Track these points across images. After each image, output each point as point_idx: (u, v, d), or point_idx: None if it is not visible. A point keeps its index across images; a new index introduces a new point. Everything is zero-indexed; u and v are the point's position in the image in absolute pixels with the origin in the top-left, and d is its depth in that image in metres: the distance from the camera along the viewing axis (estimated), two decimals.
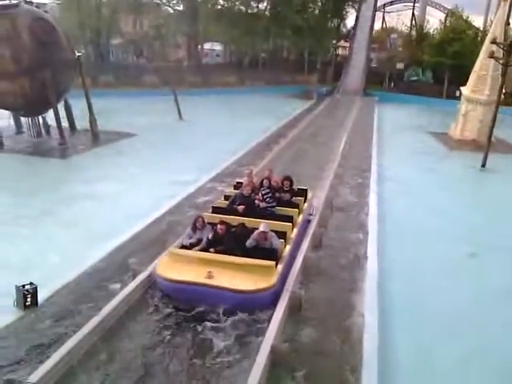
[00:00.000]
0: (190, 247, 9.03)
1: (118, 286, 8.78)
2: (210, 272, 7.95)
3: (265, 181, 11.02)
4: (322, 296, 9.02)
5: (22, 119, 23.01)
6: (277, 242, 8.97)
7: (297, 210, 10.67)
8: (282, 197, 10.89)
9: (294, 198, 11.06)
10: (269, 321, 7.57)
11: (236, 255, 8.54)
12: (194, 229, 9.27)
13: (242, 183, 11.37)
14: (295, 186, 11.41)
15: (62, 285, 8.83)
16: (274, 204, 10.47)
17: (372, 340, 7.52)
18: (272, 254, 8.73)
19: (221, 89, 44.41)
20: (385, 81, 50.14)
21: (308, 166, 19.37)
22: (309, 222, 11.63)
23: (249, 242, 8.77)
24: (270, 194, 10.48)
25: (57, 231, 11.80)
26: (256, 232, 8.81)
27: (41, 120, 22.82)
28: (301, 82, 50.00)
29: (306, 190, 11.98)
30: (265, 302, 7.98)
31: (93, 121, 23.17)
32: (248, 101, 40.03)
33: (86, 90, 23.28)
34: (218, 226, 8.96)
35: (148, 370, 6.71)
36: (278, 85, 48.99)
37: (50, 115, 22.22)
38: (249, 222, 9.35)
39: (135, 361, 6.89)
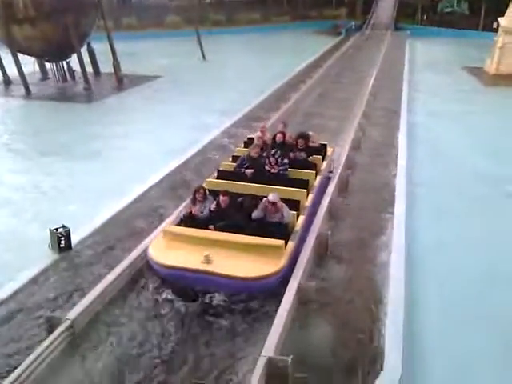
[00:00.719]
0: (188, 223, 7.82)
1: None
2: (207, 256, 6.84)
3: (278, 136, 9.96)
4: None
5: (47, 65, 23.00)
6: (288, 215, 7.84)
7: (313, 172, 9.40)
8: (296, 156, 9.71)
9: (310, 158, 9.88)
10: None
11: (240, 232, 7.41)
12: (194, 201, 7.98)
13: (253, 139, 10.29)
14: (314, 141, 10.30)
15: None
16: (287, 166, 9.17)
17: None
18: (282, 230, 7.65)
19: (245, 27, 43.10)
20: (417, 13, 47.48)
21: (335, 106, 18.92)
22: (329, 179, 10.50)
23: (255, 214, 7.71)
24: (281, 156, 9.17)
25: (90, 171, 12.24)
26: (264, 201, 7.69)
27: (65, 65, 22.78)
28: (328, 17, 47.94)
29: (325, 145, 10.76)
30: (271, 287, 6.93)
31: (116, 65, 22.97)
32: (273, 38, 38.83)
33: (108, 33, 22.94)
34: (221, 197, 7.69)
35: None
36: (304, 20, 47.19)
37: (74, 60, 22.17)
38: (258, 189, 8.35)
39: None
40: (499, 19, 26.80)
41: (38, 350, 5.62)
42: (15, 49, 20.35)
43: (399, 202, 10.15)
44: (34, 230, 9.26)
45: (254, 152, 9.25)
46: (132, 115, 18.06)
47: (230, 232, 7.35)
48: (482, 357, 6.42)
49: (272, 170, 9.04)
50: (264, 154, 9.39)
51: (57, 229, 8.24)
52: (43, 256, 8.12)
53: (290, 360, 5.44)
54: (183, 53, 30.59)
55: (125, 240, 8.65)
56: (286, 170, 9.15)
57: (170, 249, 7.31)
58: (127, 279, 7.39)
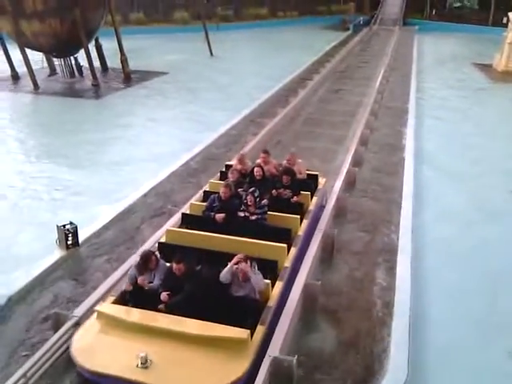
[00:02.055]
0: (132, 298, 5.95)
1: None
2: (143, 358, 4.97)
3: (256, 170, 8.08)
4: None
5: (55, 60, 23.06)
6: (260, 286, 5.98)
7: (298, 217, 7.64)
8: (280, 194, 8.01)
9: (294, 198, 8.03)
10: None
11: (197, 313, 5.51)
12: (142, 268, 6.07)
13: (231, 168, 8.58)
14: (301, 172, 8.66)
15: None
16: (266, 209, 7.46)
17: None
18: (250, 308, 5.81)
19: (253, 22, 42.95)
20: (426, 9, 47.13)
21: (343, 102, 18.85)
22: (317, 220, 8.51)
23: (223, 275, 5.94)
24: (261, 195, 7.44)
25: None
26: (234, 263, 5.95)
27: (73, 61, 22.83)
28: (336, 12, 47.70)
29: (315, 176, 9.10)
30: None
31: (124, 60, 22.99)
32: (280, 34, 38.72)
33: (116, 28, 22.96)
34: (174, 264, 5.89)
35: None
36: (312, 15, 46.94)
37: (81, 55, 22.21)
38: (229, 243, 6.72)
39: None
40: (509, 14, 26.51)
41: (45, 346, 5.65)
42: (23, 44, 20.42)
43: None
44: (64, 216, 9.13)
45: (222, 192, 7.36)
46: (134, 112, 18.01)
47: (183, 314, 5.53)
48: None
49: (248, 216, 7.29)
50: (241, 190, 7.74)
51: (64, 225, 8.28)
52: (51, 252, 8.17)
53: (294, 360, 5.43)
54: (191, 49, 30.57)
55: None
56: (265, 213, 7.45)
57: (98, 342, 5.45)
58: None
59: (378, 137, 14.61)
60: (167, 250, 6.73)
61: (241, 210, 7.33)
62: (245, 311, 5.73)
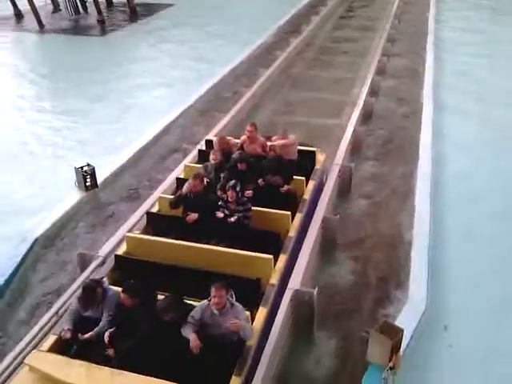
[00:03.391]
0: (73, 342, 4.47)
1: None
2: None
3: (235, 156, 6.57)
4: None
5: None
6: (246, 334, 4.37)
7: (288, 214, 6.06)
8: (267, 181, 6.46)
9: (286, 187, 6.51)
10: None
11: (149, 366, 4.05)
12: (87, 302, 4.65)
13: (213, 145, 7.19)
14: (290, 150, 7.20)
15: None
16: (249, 206, 5.88)
17: None
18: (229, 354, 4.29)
19: None
20: None
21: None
22: (315, 208, 6.96)
23: (184, 331, 4.29)
24: (243, 188, 5.90)
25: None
26: (201, 304, 4.43)
27: None
28: None
29: (312, 153, 7.57)
30: None
31: None
32: None
33: None
34: (122, 294, 4.49)
35: None
36: None
37: None
38: (201, 255, 5.33)
39: None
40: None
41: (73, 286, 5.84)
42: None
43: None
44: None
45: (191, 185, 5.88)
46: (140, 49, 17.51)
47: (138, 367, 4.02)
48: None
49: (228, 215, 5.79)
50: (218, 185, 6.14)
51: (82, 167, 8.32)
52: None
53: (315, 292, 5.55)
54: None
55: None
56: (249, 210, 5.87)
57: None
58: None
59: None
60: (125, 264, 5.38)
61: (219, 206, 5.85)
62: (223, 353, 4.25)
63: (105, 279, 4.99)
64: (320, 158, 7.63)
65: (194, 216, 5.74)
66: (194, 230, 5.67)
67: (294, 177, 6.72)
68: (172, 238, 5.58)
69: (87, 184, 8.36)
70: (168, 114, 11.24)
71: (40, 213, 7.74)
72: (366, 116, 10.97)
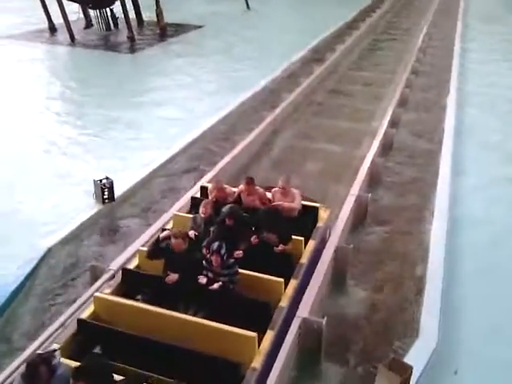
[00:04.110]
0: None
1: None
2: None
3: (224, 210, 5.82)
4: None
5: (91, 12, 22.91)
6: None
7: (281, 280, 5.34)
8: (261, 239, 5.69)
9: (281, 247, 5.68)
10: None
11: None
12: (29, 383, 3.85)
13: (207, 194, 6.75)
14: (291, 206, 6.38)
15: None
16: (236, 269, 5.19)
17: None
18: None
19: None
20: None
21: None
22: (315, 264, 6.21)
23: None
24: (231, 249, 5.22)
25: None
26: None
27: (109, 12, 22.62)
28: None
29: (315, 209, 6.78)
30: None
31: (159, 13, 22.59)
32: None
33: None
34: (71, 380, 3.75)
35: None
36: None
37: (117, 7, 22.00)
38: (179, 326, 4.67)
39: None
40: None
41: (83, 297, 5.85)
42: None
43: None
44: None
45: (174, 243, 5.20)
46: (170, 67, 17.93)
47: None
48: None
49: (212, 278, 5.13)
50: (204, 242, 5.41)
51: (101, 180, 8.43)
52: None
53: (324, 322, 5.47)
54: (227, 1, 29.77)
55: None
56: (235, 274, 5.19)
57: None
58: None
59: None
60: (89, 331, 4.74)
61: (203, 268, 5.19)
62: None
63: (57, 352, 4.09)
64: (323, 215, 6.81)
65: (173, 277, 5.10)
66: (173, 293, 5.05)
67: (294, 237, 5.88)
68: (147, 300, 5.07)
69: (105, 197, 8.47)
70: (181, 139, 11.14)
71: (53, 223, 7.84)
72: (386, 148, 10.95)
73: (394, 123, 11.92)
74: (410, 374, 4.79)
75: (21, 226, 7.81)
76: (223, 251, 5.03)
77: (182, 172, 9.80)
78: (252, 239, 5.69)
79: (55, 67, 18.19)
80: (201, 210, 6.03)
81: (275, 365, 4.76)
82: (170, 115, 12.91)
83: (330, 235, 6.99)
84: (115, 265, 6.31)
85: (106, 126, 12.22)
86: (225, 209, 5.81)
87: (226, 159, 9.63)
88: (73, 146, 11.08)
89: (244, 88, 14.54)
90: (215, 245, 5.06)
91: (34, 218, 8.06)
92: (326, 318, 5.46)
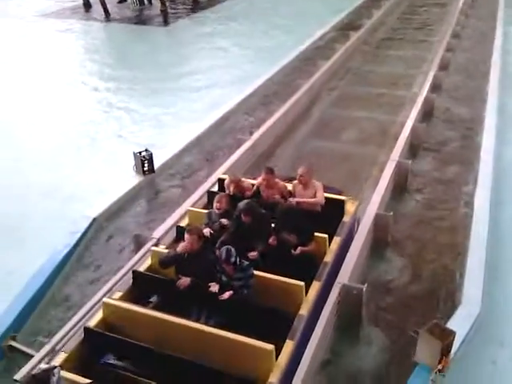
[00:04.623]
0: None
1: None
2: None
3: (241, 205, 5.28)
4: None
5: None
6: None
7: (302, 284, 4.78)
8: (281, 240, 5.20)
9: (300, 250, 5.12)
10: None
11: None
12: None
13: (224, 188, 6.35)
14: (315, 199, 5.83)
15: None
16: (251, 272, 4.72)
17: None
18: None
19: None
20: None
21: None
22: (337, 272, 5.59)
23: None
24: (245, 252, 4.88)
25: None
26: None
27: None
28: None
29: (341, 202, 6.11)
30: None
31: None
32: None
33: None
34: None
35: None
36: None
37: None
38: (190, 336, 4.33)
39: None
40: None
41: (128, 265, 6.02)
42: None
43: None
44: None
45: (187, 243, 4.77)
46: (208, 37, 17.85)
47: None
48: None
49: (223, 289, 4.63)
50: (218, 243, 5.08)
51: (140, 152, 8.58)
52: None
53: (364, 288, 5.47)
54: None
55: None
56: (250, 277, 4.71)
57: None
58: None
59: None
60: (97, 340, 4.48)
61: (216, 272, 4.71)
62: None
63: (57, 369, 3.77)
64: (350, 208, 6.17)
65: (185, 281, 4.73)
66: (185, 299, 4.71)
67: (317, 234, 5.37)
68: (158, 305, 4.80)
69: (145, 169, 8.62)
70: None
71: (99, 195, 8.08)
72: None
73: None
74: (452, 340, 4.73)
75: (66, 199, 8.13)
76: (233, 259, 4.55)
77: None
78: (270, 240, 5.20)
79: (91, 42, 18.40)
80: (215, 204, 5.56)
81: (310, 342, 4.64)
82: (206, 83, 13.05)
83: (357, 229, 6.44)
84: (157, 234, 6.48)
85: (145, 97, 12.40)
86: (241, 204, 5.26)
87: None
88: (112, 120, 11.32)
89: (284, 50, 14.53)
90: (223, 253, 4.56)
91: (78, 191, 8.36)
92: (366, 285, 5.46)
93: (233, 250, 4.58)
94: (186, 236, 4.76)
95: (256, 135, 9.40)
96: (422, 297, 6.01)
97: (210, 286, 4.63)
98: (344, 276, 5.59)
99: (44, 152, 9.85)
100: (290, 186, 6.06)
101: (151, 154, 8.60)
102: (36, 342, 5.34)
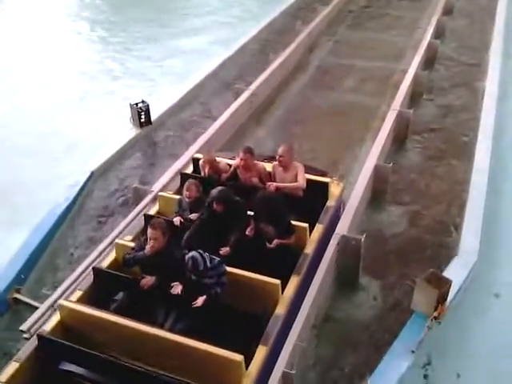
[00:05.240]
0: None
1: None
2: None
3: (213, 192, 4.78)
4: None
5: None
6: None
7: (278, 282, 4.30)
8: (258, 230, 4.70)
9: (276, 242, 4.62)
10: None
11: None
12: None
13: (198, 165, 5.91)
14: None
15: None
16: (223, 270, 4.23)
17: None
18: None
19: None
20: None
21: None
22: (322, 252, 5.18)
23: None
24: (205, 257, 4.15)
25: None
26: None
27: None
28: None
29: (325, 185, 5.59)
30: None
31: None
32: None
33: None
34: None
35: None
36: None
37: None
38: (146, 342, 3.94)
39: None
40: None
41: (129, 217, 6.01)
42: None
43: None
44: None
45: (152, 240, 4.22)
46: None
47: None
48: None
49: (187, 294, 4.15)
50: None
51: (137, 104, 8.41)
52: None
53: (363, 238, 5.51)
54: None
55: None
56: (223, 274, 4.22)
57: None
58: None
59: None
60: (50, 347, 4.02)
61: (184, 269, 4.14)
62: None
63: None
64: (335, 191, 5.71)
65: (149, 280, 4.26)
66: (151, 300, 4.26)
67: (295, 223, 4.87)
68: (121, 307, 4.31)
69: (142, 120, 8.48)
70: None
71: (96, 148, 8.01)
72: None
73: None
74: (449, 288, 4.84)
75: (62, 151, 8.06)
76: (201, 267, 4.04)
77: None
78: (247, 231, 4.71)
79: None
80: (184, 193, 5.11)
81: (303, 304, 4.50)
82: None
83: (343, 212, 5.92)
84: (157, 187, 6.45)
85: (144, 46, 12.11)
86: (214, 191, 4.79)
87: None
88: (107, 72, 11.08)
89: None
90: (189, 263, 4.04)
91: (74, 143, 8.27)
92: (364, 235, 5.50)
93: (199, 258, 4.05)
94: (149, 231, 4.22)
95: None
96: (419, 246, 6.08)
97: (172, 287, 4.12)
98: (343, 227, 5.62)
99: (37, 105, 9.63)
100: (270, 167, 5.63)
101: (148, 105, 8.43)
102: (40, 294, 5.42)
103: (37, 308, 4.84)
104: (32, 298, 5.30)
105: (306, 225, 4.93)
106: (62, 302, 4.33)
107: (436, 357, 4.70)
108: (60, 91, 10.18)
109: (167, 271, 4.20)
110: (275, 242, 4.62)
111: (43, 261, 6.03)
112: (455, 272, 5.28)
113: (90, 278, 4.71)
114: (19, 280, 5.55)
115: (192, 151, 6.89)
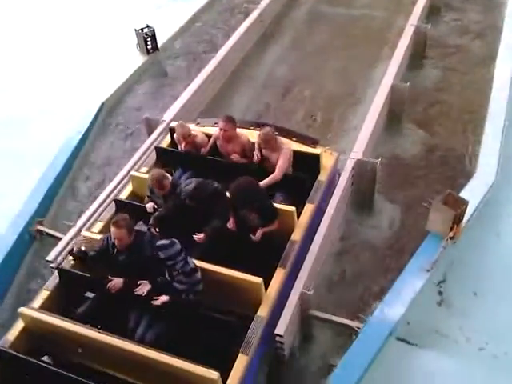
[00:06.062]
0: None
1: None
2: None
3: (185, 189, 4.39)
4: None
5: None
6: None
7: (259, 281, 3.90)
8: (241, 218, 4.34)
9: (260, 232, 4.25)
10: None
11: None
12: None
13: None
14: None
15: None
16: (197, 277, 3.82)
17: None
18: None
19: None
20: None
21: None
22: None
23: None
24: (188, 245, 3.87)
25: None
26: None
27: None
28: None
29: (316, 157, 5.01)
30: None
31: None
32: None
33: None
34: None
35: None
36: None
37: None
38: (120, 354, 3.57)
39: None
40: None
41: (142, 148, 5.93)
42: None
43: None
44: None
45: (117, 238, 3.86)
46: None
47: None
48: None
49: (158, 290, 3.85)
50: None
51: (142, 29, 8.10)
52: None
53: (378, 162, 5.45)
54: None
55: None
56: (197, 283, 3.80)
57: None
58: None
59: None
60: (11, 365, 3.66)
61: (154, 269, 3.85)
62: None
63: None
64: (327, 163, 5.12)
65: (117, 283, 3.88)
66: (122, 302, 3.89)
67: (281, 206, 4.45)
68: (86, 313, 3.96)
69: (148, 47, 8.20)
70: None
71: (104, 78, 7.83)
72: None
73: None
74: (465, 209, 4.81)
75: (71, 85, 7.89)
76: (178, 265, 3.68)
77: None
78: (229, 224, 4.34)
79: None
80: (155, 190, 4.56)
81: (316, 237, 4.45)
82: None
83: (338, 181, 5.25)
84: (168, 116, 6.36)
85: None
86: (187, 188, 4.31)
87: None
88: None
89: None
90: (159, 279, 3.76)
91: (82, 74, 8.07)
92: (380, 159, 5.44)
93: (170, 273, 3.72)
94: (112, 229, 3.81)
95: None
96: (436, 168, 6.02)
97: (138, 288, 3.81)
98: (358, 152, 5.54)
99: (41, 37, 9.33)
100: (254, 136, 4.98)
101: (153, 30, 8.13)
102: (62, 224, 5.54)
103: (60, 239, 4.96)
104: (54, 229, 5.42)
105: (292, 208, 4.43)
106: (21, 309, 3.87)
107: (451, 276, 4.78)
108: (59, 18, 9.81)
109: (136, 272, 3.83)
110: (259, 233, 4.24)
111: (62, 193, 6.12)
112: (472, 193, 5.24)
113: (111, 209, 4.80)
114: (41, 212, 5.67)
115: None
